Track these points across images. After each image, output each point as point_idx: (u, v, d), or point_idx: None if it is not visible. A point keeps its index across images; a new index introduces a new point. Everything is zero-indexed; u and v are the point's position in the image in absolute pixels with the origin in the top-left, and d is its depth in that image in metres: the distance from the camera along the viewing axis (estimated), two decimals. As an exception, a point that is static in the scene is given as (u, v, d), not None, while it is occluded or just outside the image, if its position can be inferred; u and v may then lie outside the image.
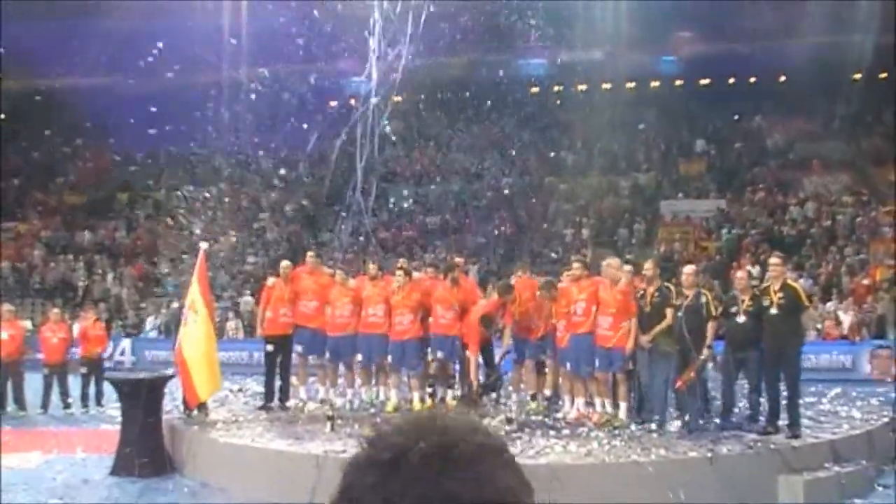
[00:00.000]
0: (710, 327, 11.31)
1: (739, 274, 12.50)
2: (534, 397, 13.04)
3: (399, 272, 13.44)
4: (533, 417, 12.33)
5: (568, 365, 12.29)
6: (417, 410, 11.62)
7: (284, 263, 14.27)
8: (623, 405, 12.02)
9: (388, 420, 1.41)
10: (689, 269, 12.19)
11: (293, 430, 11.74)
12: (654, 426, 11.32)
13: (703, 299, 11.41)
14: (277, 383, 13.65)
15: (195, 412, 12.58)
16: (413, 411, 12.61)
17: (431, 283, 13.57)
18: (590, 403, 12.39)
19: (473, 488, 1.12)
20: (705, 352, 11.32)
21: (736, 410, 11.88)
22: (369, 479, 1.15)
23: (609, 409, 12.10)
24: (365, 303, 13.38)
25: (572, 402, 12.50)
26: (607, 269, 12.24)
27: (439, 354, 13.08)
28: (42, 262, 31.23)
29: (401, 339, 13.15)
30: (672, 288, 11.67)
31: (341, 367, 13.88)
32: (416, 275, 14.06)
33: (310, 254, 14.68)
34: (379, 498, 1.13)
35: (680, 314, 11.37)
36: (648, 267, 12.10)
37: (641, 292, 11.86)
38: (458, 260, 14.42)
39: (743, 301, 11.41)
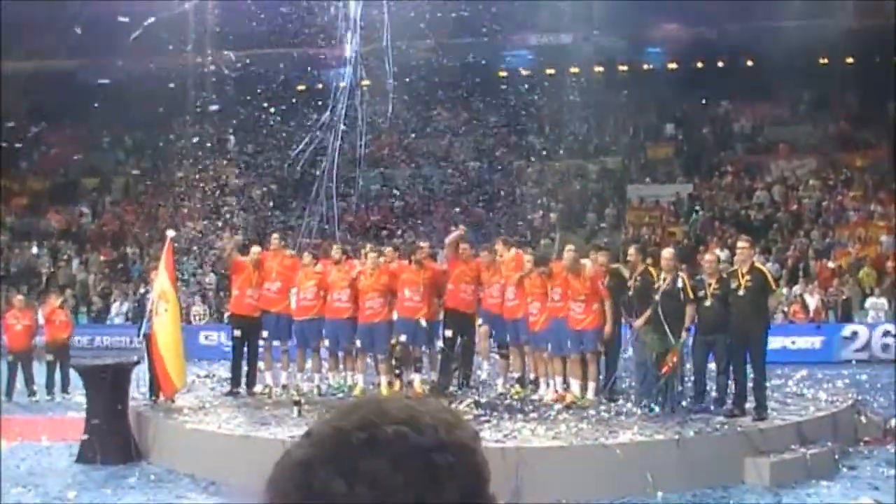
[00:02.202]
0: (689, 311, 11.39)
1: (707, 257, 12.58)
2: (520, 380, 13.08)
3: (371, 255, 13.42)
4: (514, 400, 12.40)
5: (549, 346, 12.36)
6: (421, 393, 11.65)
7: (255, 249, 14.19)
8: (591, 385, 12.15)
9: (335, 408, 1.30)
10: (667, 252, 12.26)
11: (260, 416, 11.73)
12: (647, 409, 11.40)
13: (681, 283, 11.47)
14: (244, 369, 13.60)
15: (161, 399, 12.50)
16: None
17: (398, 267, 13.57)
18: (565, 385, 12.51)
19: (442, 472, 1.05)
20: (683, 335, 11.41)
21: (712, 395, 11.96)
22: (305, 454, 1.08)
23: (577, 390, 12.23)
24: (330, 288, 13.35)
25: (547, 383, 12.61)
26: (567, 255, 12.40)
27: (402, 338, 13.09)
28: (6, 248, 30.90)
29: (370, 322, 13.12)
30: (654, 273, 11.76)
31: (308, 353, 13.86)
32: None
33: (274, 236, 14.60)
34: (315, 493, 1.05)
35: (657, 298, 11.45)
36: (632, 253, 12.24)
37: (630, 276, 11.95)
38: (422, 244, 14.38)
39: (710, 284, 11.47)
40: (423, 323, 13.10)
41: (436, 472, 1.05)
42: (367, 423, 1.08)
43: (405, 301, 13.10)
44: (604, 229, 28.57)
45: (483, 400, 12.32)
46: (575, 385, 12.29)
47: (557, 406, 11.74)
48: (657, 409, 11.33)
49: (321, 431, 1.10)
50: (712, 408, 11.45)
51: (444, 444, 1.07)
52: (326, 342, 13.45)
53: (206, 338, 22.62)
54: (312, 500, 1.05)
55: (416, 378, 13.28)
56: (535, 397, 12.53)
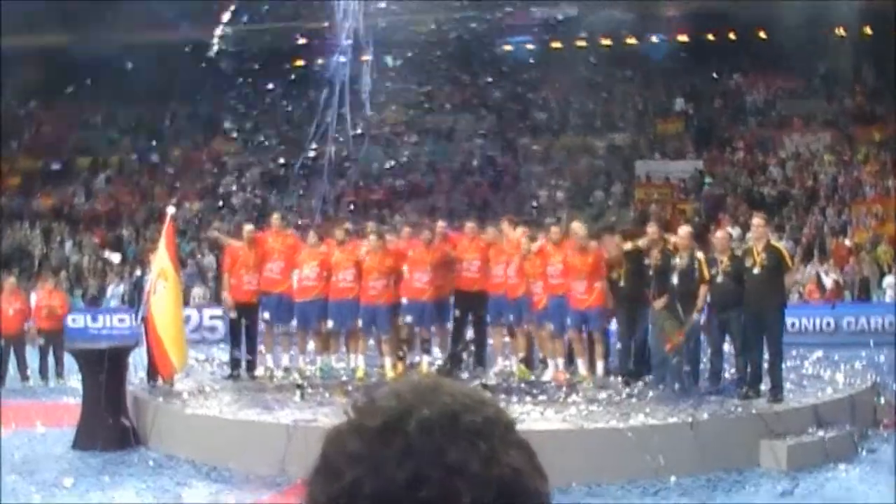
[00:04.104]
0: (702, 291, 11.38)
1: (719, 234, 12.56)
2: (525, 361, 13.11)
3: (372, 235, 13.39)
4: (520, 381, 12.45)
5: (551, 326, 12.38)
6: (418, 375, 11.65)
7: (248, 228, 14.14)
8: (599, 364, 12.22)
9: (380, 385, 1.27)
10: (683, 230, 12.24)
11: (262, 400, 11.71)
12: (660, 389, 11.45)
13: (697, 262, 11.45)
14: (244, 351, 13.59)
15: (160, 382, 12.47)
16: (385, 377, 12.67)
17: (405, 246, 13.55)
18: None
19: (479, 464, 1.02)
20: (694, 315, 11.40)
21: (727, 376, 11.98)
22: (353, 447, 1.03)
23: (582, 370, 12.31)
24: (334, 268, 13.34)
25: (556, 364, 12.68)
26: (573, 233, 12.48)
27: (408, 319, 13.08)
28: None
29: (373, 303, 13.14)
30: (673, 250, 11.77)
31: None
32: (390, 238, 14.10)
33: (275, 215, 14.56)
34: (365, 469, 1.01)
35: (674, 277, 11.44)
36: (651, 231, 12.21)
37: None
38: (440, 223, 14.36)
39: (722, 262, 11.45)
40: (431, 304, 13.12)
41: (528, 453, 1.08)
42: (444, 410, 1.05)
43: (413, 282, 13.13)
44: (611, 207, 28.50)
45: (491, 382, 12.32)
46: (581, 365, 12.35)
47: (566, 388, 11.77)
48: (672, 389, 11.35)
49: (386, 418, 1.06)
50: (729, 390, 11.43)
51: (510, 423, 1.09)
52: (330, 323, 13.43)
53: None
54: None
55: (423, 359, 13.29)
56: (544, 378, 12.57)
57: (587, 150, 32.04)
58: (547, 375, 12.55)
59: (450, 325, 13.65)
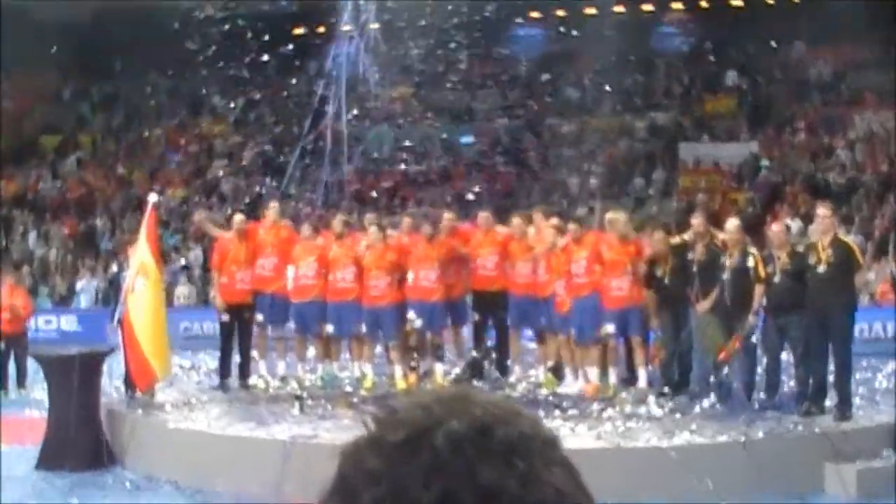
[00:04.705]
0: (758, 291, 11.36)
1: (776, 228, 12.53)
2: (554, 370, 13.12)
3: (372, 227, 13.43)
4: (544, 393, 12.46)
5: (573, 331, 12.44)
6: (443, 386, 11.69)
7: (238, 218, 14.18)
8: (641, 374, 12.22)
9: (395, 396, 1.26)
10: (732, 224, 12.21)
11: (255, 413, 11.75)
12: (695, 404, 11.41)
13: (751, 260, 11.42)
14: (235, 358, 13.63)
15: (139, 393, 12.50)
16: (396, 387, 12.70)
17: (409, 241, 13.57)
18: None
19: (517, 484, 1.01)
20: (751, 319, 11.37)
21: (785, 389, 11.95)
22: (373, 464, 1.03)
23: (595, 378, 12.40)
24: (332, 265, 13.39)
25: (575, 374, 12.71)
26: (611, 224, 12.52)
27: (418, 323, 13.12)
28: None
29: (375, 305, 13.19)
30: (721, 246, 11.79)
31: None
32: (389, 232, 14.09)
33: (272, 204, 14.62)
34: (386, 489, 1.01)
35: (725, 276, 11.41)
36: (696, 223, 12.19)
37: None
38: (446, 215, 14.37)
39: (779, 259, 11.42)
40: (441, 305, 13.15)
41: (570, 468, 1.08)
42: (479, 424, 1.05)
43: (418, 281, 13.15)
44: (652, 197, 28.43)
45: (515, 394, 12.35)
46: (593, 373, 12.49)
47: (600, 402, 11.78)
48: (722, 403, 11.31)
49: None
50: (788, 405, 11.39)
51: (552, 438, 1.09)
52: (329, 327, 13.46)
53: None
54: None
55: (437, 368, 13.33)
56: (571, 391, 12.59)
57: (625, 132, 31.99)
58: (574, 387, 12.52)
59: (466, 330, 13.66)
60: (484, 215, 13.89)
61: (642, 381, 12.32)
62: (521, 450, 1.04)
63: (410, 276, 13.21)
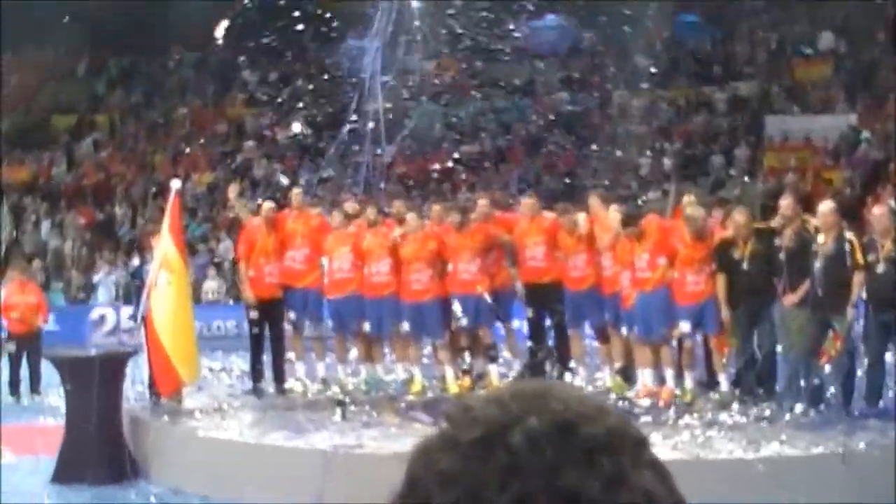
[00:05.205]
0: (856, 281, 11.29)
1: (878, 211, 12.42)
2: (623, 372, 13.14)
3: (410, 214, 13.62)
4: (613, 398, 12.47)
5: (636, 329, 12.48)
6: (522, 382, 11.71)
7: (267, 205, 14.27)
8: (722, 378, 12.18)
9: (472, 395, 1.29)
10: (825, 206, 12.07)
11: (292, 420, 11.84)
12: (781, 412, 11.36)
13: (848, 245, 11.32)
14: (268, 359, 13.74)
15: (164, 399, 12.61)
16: (448, 391, 12.74)
17: (443, 229, 13.68)
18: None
19: (602, 487, 1.02)
20: (849, 312, 11.27)
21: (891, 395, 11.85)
22: (445, 465, 1.05)
23: (689, 383, 12.40)
24: (366, 257, 13.50)
25: (653, 376, 12.76)
26: (690, 221, 12.48)
27: (463, 321, 13.16)
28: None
29: (417, 300, 13.28)
30: (812, 231, 11.70)
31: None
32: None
33: (296, 190, 14.70)
34: (460, 492, 1.03)
35: (817, 266, 11.33)
36: (787, 204, 12.08)
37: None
38: (482, 201, 14.37)
39: (883, 246, 11.33)
40: (488, 298, 13.20)
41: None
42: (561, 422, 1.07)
43: (459, 273, 13.24)
44: (734, 177, 28.23)
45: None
46: (668, 377, 12.44)
47: (677, 408, 11.76)
48: (815, 410, 11.25)
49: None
50: (891, 412, 11.30)
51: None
52: (367, 325, 13.59)
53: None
54: None
55: (491, 369, 13.34)
56: (629, 393, 12.68)
57: (703, 104, 31.80)
58: (632, 391, 12.62)
59: (517, 325, 13.68)
60: (529, 201, 13.92)
61: (724, 385, 12.26)
62: (607, 449, 1.05)
63: (450, 268, 13.29)
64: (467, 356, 13.42)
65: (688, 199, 13.33)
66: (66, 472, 11.54)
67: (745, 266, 12.05)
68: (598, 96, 32.28)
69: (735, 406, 11.66)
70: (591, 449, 1.04)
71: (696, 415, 11.47)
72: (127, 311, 24.33)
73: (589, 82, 32.68)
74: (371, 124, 18.61)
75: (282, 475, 10.25)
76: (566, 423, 1.05)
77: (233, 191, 15.89)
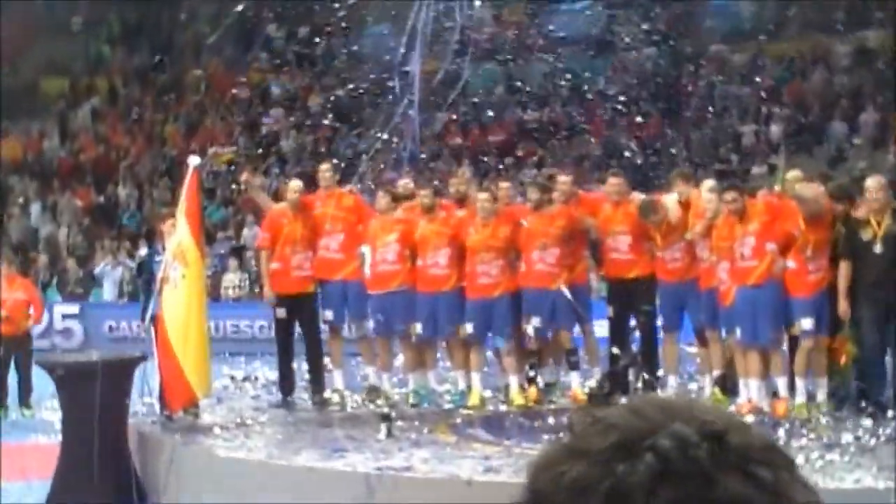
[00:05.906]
0: None
1: None
2: (722, 382, 13.07)
3: (482, 195, 13.54)
4: None
5: (737, 332, 12.36)
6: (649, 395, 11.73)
7: (294, 184, 14.33)
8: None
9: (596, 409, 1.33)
10: (874, 181, 12.28)
11: (329, 437, 11.89)
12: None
13: None
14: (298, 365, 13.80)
15: (180, 413, 12.67)
16: (513, 404, 12.74)
17: (516, 211, 13.76)
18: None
19: (765, 497, 1.06)
20: None
21: None
22: (578, 474, 1.09)
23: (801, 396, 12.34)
24: (420, 247, 13.50)
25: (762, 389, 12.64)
26: (794, 188, 12.50)
27: (535, 320, 13.15)
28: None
29: (486, 296, 13.29)
30: None
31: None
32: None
33: (324, 167, 14.67)
34: (602, 499, 1.07)
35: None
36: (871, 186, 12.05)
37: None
38: (562, 178, 14.35)
39: None
40: (568, 295, 13.17)
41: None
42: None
43: (533, 264, 13.24)
44: (859, 147, 28.00)
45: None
46: (781, 386, 12.39)
47: (790, 425, 11.66)
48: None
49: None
50: None
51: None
52: (419, 327, 13.58)
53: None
54: None
55: (574, 378, 13.36)
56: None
57: (819, 59, 31.51)
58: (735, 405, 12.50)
59: (596, 326, 13.67)
60: (615, 181, 13.78)
61: (820, 396, 12.20)
62: (765, 461, 1.10)
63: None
64: (535, 362, 13.44)
65: (793, 174, 13.21)
66: (63, 497, 11.62)
67: (876, 249, 11.94)
68: (691, 52, 32.09)
69: (863, 423, 11.57)
70: (748, 459, 1.09)
71: (813, 433, 11.38)
72: (60, 309, 24.83)
73: (680, 34, 32.47)
74: (419, 88, 18.57)
75: (316, 499, 10.27)
76: (716, 431, 1.10)
77: (246, 176, 15.86)
